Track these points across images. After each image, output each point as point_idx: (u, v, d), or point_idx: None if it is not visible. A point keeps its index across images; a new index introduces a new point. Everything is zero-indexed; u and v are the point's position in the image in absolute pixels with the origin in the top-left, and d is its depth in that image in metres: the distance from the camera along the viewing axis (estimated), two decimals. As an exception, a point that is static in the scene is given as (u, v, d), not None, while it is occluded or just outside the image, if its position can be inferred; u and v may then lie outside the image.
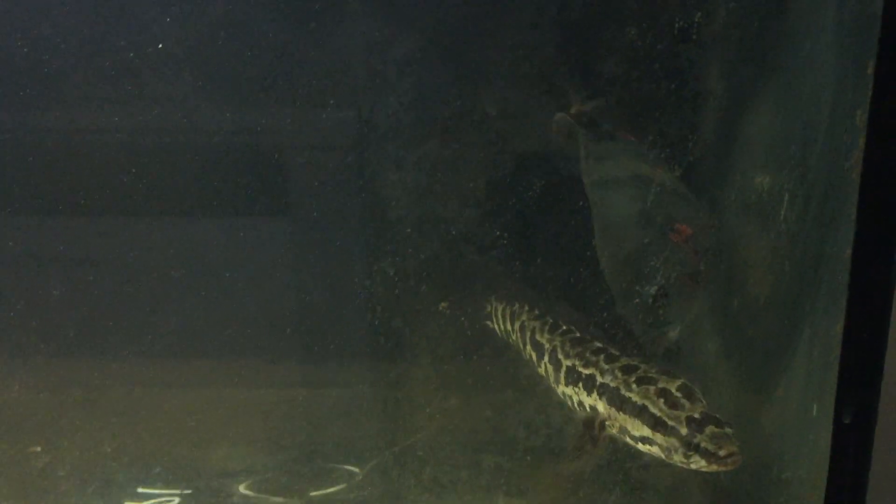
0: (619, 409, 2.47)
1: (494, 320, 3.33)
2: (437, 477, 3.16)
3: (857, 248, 2.08)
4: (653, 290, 2.73)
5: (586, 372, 2.64)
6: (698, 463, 2.27)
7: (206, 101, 2.97)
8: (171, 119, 3.03)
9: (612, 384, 2.52)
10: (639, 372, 2.51)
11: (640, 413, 2.40)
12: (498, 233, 3.04)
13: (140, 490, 3.31)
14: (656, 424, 2.35)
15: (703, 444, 2.25)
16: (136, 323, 3.39)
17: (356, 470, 3.34)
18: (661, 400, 2.38)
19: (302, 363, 3.50)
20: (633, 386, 2.47)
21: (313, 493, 3.30)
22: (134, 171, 3.11)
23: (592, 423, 2.57)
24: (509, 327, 3.19)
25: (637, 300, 2.78)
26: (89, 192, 3.17)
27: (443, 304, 3.18)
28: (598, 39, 2.78)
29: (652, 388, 2.42)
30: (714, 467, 2.25)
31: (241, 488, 3.33)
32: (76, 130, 3.09)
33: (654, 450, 2.38)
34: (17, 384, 3.40)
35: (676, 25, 2.63)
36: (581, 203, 2.92)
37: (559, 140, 2.98)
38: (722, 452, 2.23)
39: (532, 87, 2.88)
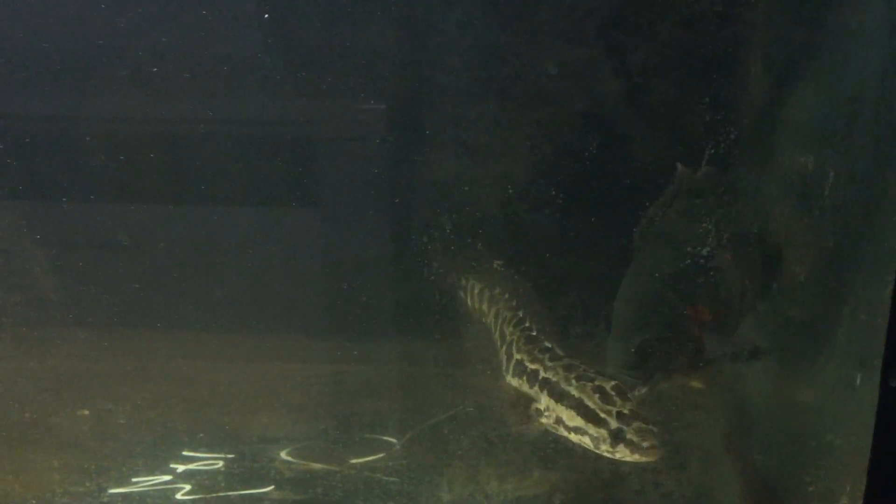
0: (558, 401, 2.67)
1: (467, 295, 3.50)
2: (485, 433, 3.27)
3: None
4: (637, 341, 2.87)
5: (532, 367, 2.87)
6: (622, 452, 2.47)
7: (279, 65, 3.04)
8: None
9: (554, 379, 2.74)
10: (579, 370, 2.73)
11: (577, 406, 2.60)
12: (553, 192, 3.13)
13: (185, 453, 3.40)
14: (589, 416, 2.54)
15: (629, 436, 2.45)
16: (185, 300, 3.49)
17: (393, 441, 3.39)
18: (597, 395, 2.58)
19: (343, 339, 3.57)
20: (573, 381, 2.68)
21: (353, 461, 3.36)
22: (191, 161, 3.23)
23: (518, 404, 2.82)
24: (485, 308, 3.38)
25: (623, 345, 2.93)
26: (138, 180, 3.29)
27: (497, 262, 3.30)
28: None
29: (589, 384, 2.63)
30: (636, 457, 2.45)
31: (283, 454, 3.39)
32: (122, 120, 3.20)
33: (585, 439, 2.57)
34: (72, 352, 3.51)
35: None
36: (633, 162, 2.99)
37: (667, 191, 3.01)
38: (645, 444, 2.43)
39: (591, 46, 2.94)
